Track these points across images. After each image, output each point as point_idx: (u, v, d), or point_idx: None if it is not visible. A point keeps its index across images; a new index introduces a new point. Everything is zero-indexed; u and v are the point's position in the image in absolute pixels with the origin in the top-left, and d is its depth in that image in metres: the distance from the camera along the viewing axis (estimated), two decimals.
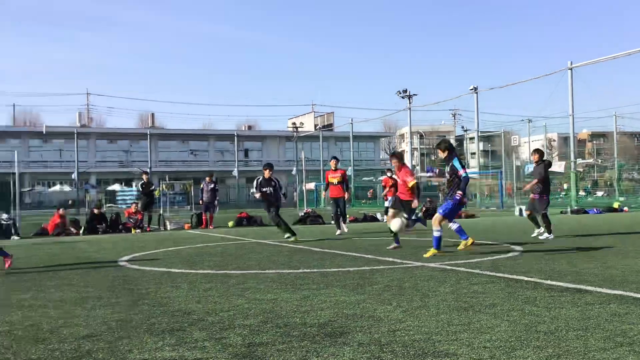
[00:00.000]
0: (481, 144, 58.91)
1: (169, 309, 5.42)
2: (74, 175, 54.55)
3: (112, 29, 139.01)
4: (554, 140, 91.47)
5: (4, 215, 18.71)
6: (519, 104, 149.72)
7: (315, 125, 79.17)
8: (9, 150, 61.03)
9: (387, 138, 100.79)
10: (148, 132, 64.58)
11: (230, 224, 21.30)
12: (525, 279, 6.74)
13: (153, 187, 21.71)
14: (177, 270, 8.41)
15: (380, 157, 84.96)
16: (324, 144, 65.58)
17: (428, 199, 27.03)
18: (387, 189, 22.84)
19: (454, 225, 9.77)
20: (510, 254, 9.49)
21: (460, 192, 9.45)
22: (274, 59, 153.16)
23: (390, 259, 9.03)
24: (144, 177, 21.83)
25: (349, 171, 51.19)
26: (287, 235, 13.46)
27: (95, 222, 19.66)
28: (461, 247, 9.72)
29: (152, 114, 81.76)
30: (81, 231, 19.11)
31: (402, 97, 51.19)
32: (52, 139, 66.41)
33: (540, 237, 12.57)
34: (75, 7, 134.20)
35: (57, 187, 63.14)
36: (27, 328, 4.78)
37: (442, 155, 9.85)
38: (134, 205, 20.90)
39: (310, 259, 9.42)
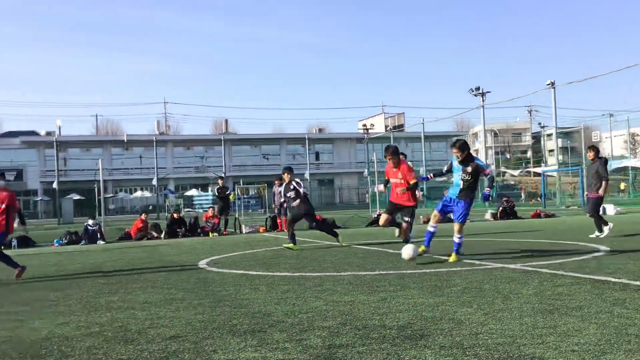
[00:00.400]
0: (560, 141, 56.91)
1: (249, 311, 5.52)
2: (154, 182, 56.52)
3: (186, 38, 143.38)
4: (638, 135, 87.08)
5: (90, 221, 19.62)
6: (599, 98, 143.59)
7: (386, 126, 78.50)
8: (93, 159, 64.10)
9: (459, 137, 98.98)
10: (222, 138, 66.19)
11: (305, 225, 21.48)
12: (613, 280, 6.45)
13: (228, 192, 22.21)
14: (254, 273, 8.56)
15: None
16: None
17: (505, 199, 26.33)
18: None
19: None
20: (595, 254, 9.11)
21: (487, 188, 9.20)
22: (344, 61, 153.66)
23: (468, 260, 8.85)
24: (220, 181, 22.36)
25: (421, 172, 50.64)
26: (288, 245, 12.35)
27: (175, 226, 20.32)
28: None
29: (226, 120, 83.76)
30: (162, 235, 19.79)
31: (475, 95, 50.25)
32: (133, 147, 69.11)
33: (600, 235, 12.39)
34: (151, 20, 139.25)
35: (138, 193, 65.69)
36: (116, 329, 4.98)
37: (459, 155, 8.95)
38: (210, 209, 21.48)
39: (386, 261, 9.37)
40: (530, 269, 7.65)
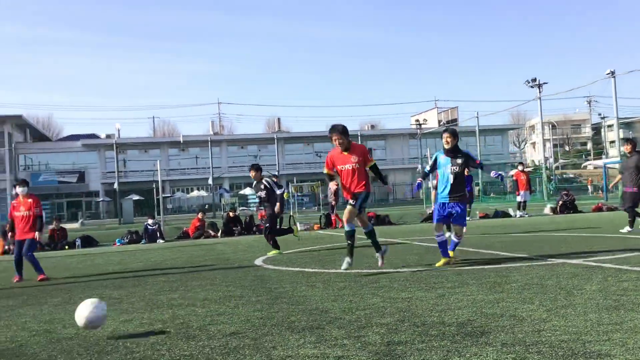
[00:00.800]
0: (621, 132, 54.89)
1: (307, 308, 5.56)
2: (209, 181, 57.53)
3: (238, 39, 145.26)
4: None
5: (150, 221, 20.16)
6: None
7: (439, 121, 77.78)
8: (150, 160, 65.79)
9: (515, 130, 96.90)
10: (275, 137, 66.86)
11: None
12: None
13: (282, 190, 22.37)
14: (310, 270, 8.61)
15: (509, 150, 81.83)
16: None
17: (564, 192, 25.60)
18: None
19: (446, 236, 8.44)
20: None
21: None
22: (395, 56, 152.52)
23: (528, 256, 8.65)
24: (274, 180, 22.53)
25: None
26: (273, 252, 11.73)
27: (231, 225, 20.65)
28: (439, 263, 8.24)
29: (279, 119, 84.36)
30: (219, 234, 20.13)
31: (531, 87, 49.03)
32: (189, 148, 70.51)
33: (621, 230, 12.18)
34: (204, 22, 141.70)
35: (195, 193, 67.04)
36: (177, 325, 5.10)
37: (450, 141, 8.18)
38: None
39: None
40: (593, 264, 7.41)
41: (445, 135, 8.28)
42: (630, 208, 12.30)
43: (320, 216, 22.85)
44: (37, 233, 9.96)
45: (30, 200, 10.04)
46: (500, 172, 8.95)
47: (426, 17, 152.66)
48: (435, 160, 8.47)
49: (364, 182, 7.95)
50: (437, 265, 8.11)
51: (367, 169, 8.10)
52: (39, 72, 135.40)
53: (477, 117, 54.79)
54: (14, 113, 66.01)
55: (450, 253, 8.34)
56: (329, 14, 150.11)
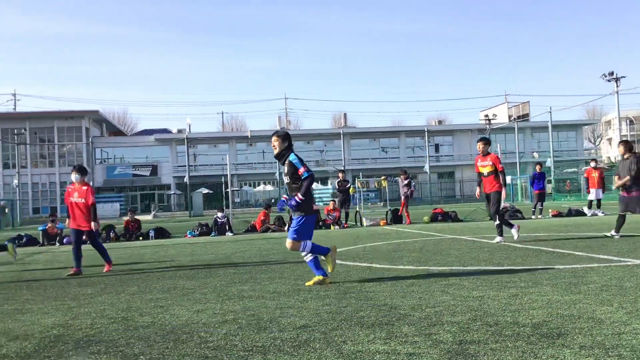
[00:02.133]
0: None
1: (376, 303, 5.54)
2: (276, 175, 58.20)
3: (305, 34, 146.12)
4: None
5: (219, 214, 20.60)
6: None
7: (510, 116, 75.82)
8: (219, 154, 67.21)
9: (590, 126, 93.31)
10: (341, 132, 66.91)
11: (425, 219, 21.27)
12: None
13: (349, 185, 22.42)
14: (378, 266, 8.59)
15: (584, 146, 78.88)
16: (520, 135, 62.62)
17: None
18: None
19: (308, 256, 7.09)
20: None
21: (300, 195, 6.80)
22: (464, 50, 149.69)
23: (605, 257, 8.33)
24: (340, 175, 22.60)
25: (548, 162, 48.30)
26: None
27: None
28: (310, 282, 7.04)
29: (345, 114, 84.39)
30: (285, 228, 20.36)
31: (608, 81, 47.09)
32: (256, 142, 71.60)
33: (607, 234, 11.65)
34: (272, 18, 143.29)
35: (261, 187, 68.07)
36: (249, 317, 5.19)
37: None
38: (331, 202, 21.79)
39: (514, 256, 9.04)
40: None
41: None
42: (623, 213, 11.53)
43: (387, 212, 22.73)
44: (93, 223, 9.77)
45: (85, 187, 9.75)
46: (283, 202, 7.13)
47: (497, 8, 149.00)
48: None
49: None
50: (307, 284, 6.98)
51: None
52: (115, 68, 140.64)
53: (550, 112, 53.03)
54: (92, 108, 68.92)
55: (316, 277, 7.04)
56: (396, 7, 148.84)
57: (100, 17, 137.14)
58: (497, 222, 11.56)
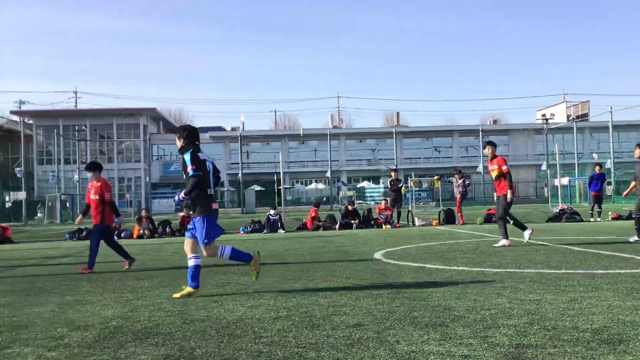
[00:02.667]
0: None
1: (429, 304, 5.49)
2: (328, 174, 58.36)
3: (359, 33, 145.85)
4: None
5: (272, 211, 20.78)
6: None
7: (568, 116, 73.78)
8: (272, 152, 67.85)
9: None
10: (394, 131, 66.44)
11: (479, 220, 20.93)
12: None
13: (401, 184, 22.27)
14: (431, 266, 8.50)
15: None
16: (578, 136, 60.78)
17: None
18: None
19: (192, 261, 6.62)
20: None
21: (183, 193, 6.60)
22: (520, 48, 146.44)
23: None
24: (393, 174, 22.47)
25: (608, 164, 46.69)
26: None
27: (349, 218, 20.83)
28: (178, 295, 6.54)
29: (397, 113, 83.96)
30: (337, 226, 20.40)
31: None
32: (308, 141, 71.95)
33: (630, 240, 11.38)
34: (324, 17, 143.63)
35: (313, 185, 68.37)
36: (301, 314, 5.23)
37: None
38: (383, 202, 21.69)
39: (572, 259, 8.79)
40: None
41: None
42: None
43: (440, 212, 22.48)
44: (119, 217, 9.78)
45: (99, 184, 9.68)
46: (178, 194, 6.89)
47: (555, 5, 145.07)
48: None
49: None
50: (174, 296, 6.52)
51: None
52: (172, 67, 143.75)
53: (611, 111, 51.27)
54: (149, 106, 70.70)
55: (187, 288, 6.61)
56: (451, 5, 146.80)
57: (160, 16, 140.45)
58: (501, 225, 11.55)
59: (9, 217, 44.55)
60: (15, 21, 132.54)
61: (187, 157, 6.65)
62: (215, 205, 6.68)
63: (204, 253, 6.67)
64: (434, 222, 21.02)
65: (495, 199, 11.93)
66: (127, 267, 9.75)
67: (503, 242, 11.33)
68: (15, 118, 67.24)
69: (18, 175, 48.98)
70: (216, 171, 6.94)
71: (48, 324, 5.18)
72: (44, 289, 7.60)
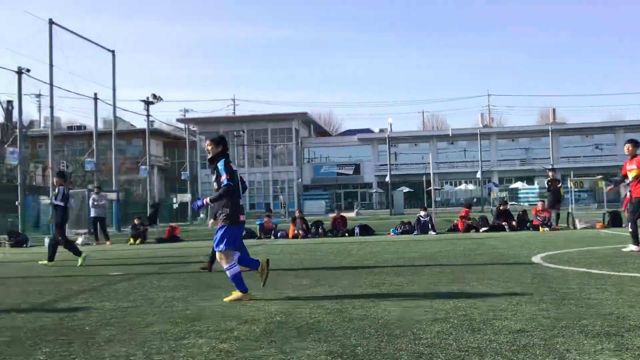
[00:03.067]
0: None
1: (599, 312, 5.15)
2: (478, 174, 56.74)
3: (509, 28, 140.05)
4: None
5: (422, 212, 20.63)
6: None
7: None
8: (420, 153, 67.30)
9: None
10: (549, 129, 63.10)
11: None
12: None
13: (560, 185, 21.07)
14: (598, 272, 7.95)
15: None
16: None
17: None
18: None
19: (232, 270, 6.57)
20: None
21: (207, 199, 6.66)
22: None
23: None
24: (550, 174, 21.33)
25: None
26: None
27: (501, 219, 20.12)
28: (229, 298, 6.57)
29: (553, 110, 79.33)
30: (482, 229, 19.79)
31: None
32: (457, 141, 70.41)
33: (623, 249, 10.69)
34: (471, 13, 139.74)
35: (462, 186, 66.79)
36: (460, 317, 5.13)
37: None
38: (540, 203, 20.65)
39: None
40: None
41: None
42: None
43: (604, 214, 20.95)
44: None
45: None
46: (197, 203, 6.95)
47: None
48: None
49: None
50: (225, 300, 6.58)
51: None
52: (321, 71, 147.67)
53: None
54: (300, 110, 73.30)
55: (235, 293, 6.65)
56: None
57: (305, 22, 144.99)
58: (631, 229, 10.74)
59: (177, 217, 48.46)
60: (178, 37, 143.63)
61: (220, 166, 6.64)
62: (242, 217, 6.80)
63: (217, 257, 6.74)
64: (598, 225, 19.65)
65: (627, 202, 11.25)
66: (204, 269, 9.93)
67: (632, 247, 10.58)
68: (181, 125, 72.83)
69: (183, 177, 53.05)
70: (243, 182, 7.14)
71: (219, 317, 5.56)
72: (212, 284, 8.15)
